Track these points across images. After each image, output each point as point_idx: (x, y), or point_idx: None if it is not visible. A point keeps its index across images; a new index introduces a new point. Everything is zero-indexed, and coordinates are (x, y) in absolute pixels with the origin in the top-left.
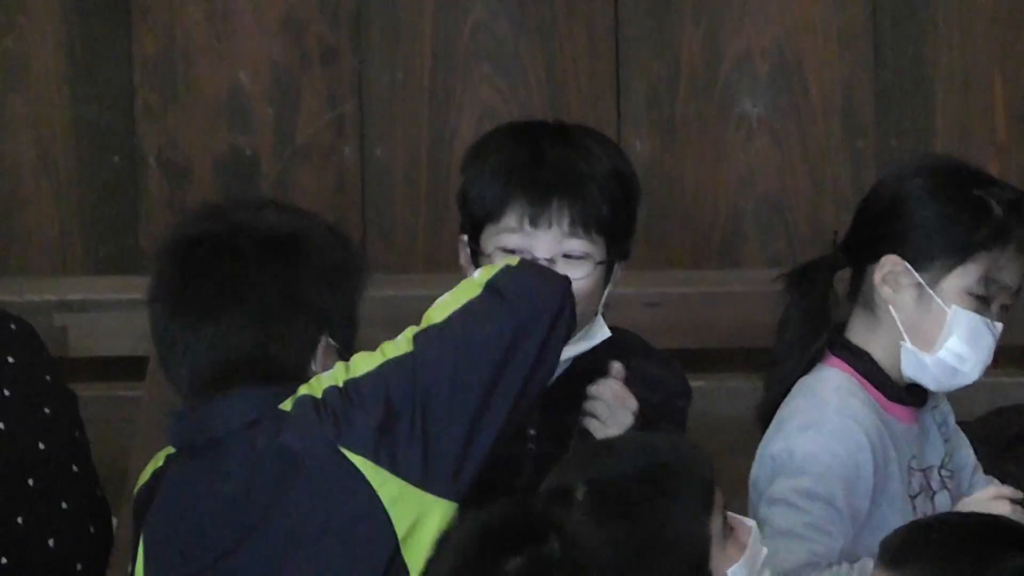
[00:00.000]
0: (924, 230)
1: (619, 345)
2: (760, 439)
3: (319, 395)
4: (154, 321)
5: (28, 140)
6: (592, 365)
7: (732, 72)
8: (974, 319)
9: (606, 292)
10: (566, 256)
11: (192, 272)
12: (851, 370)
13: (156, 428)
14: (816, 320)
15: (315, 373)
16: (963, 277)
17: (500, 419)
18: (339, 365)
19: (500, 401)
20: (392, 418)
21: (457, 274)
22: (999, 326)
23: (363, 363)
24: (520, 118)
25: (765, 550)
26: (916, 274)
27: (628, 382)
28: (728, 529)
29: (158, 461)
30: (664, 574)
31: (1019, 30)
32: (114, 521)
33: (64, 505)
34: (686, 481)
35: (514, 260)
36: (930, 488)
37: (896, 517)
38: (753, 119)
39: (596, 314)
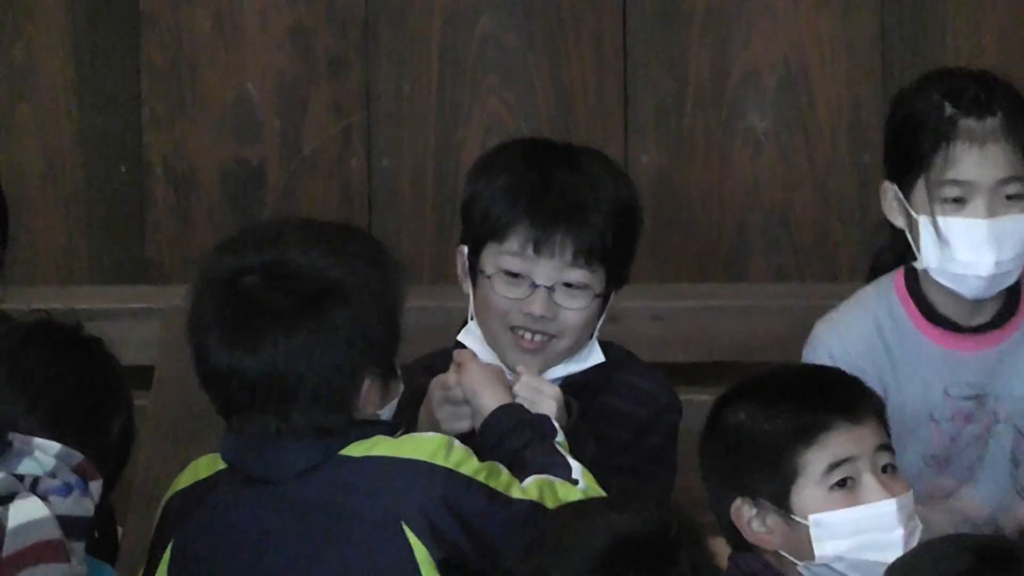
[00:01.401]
0: (889, 150)
1: (609, 359)
2: None
3: (403, 457)
4: (199, 350)
5: (36, 149)
6: (582, 382)
7: (739, 86)
8: (944, 223)
9: (601, 319)
10: (566, 285)
11: (241, 304)
12: (902, 286)
13: (161, 437)
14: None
15: (359, 407)
16: (924, 186)
17: None
18: (440, 441)
19: None
20: (460, 529)
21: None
22: (999, 220)
23: (466, 464)
24: (527, 130)
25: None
26: (899, 193)
27: (617, 394)
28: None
29: (199, 471)
30: None
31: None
32: (119, 530)
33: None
34: None
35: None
36: (985, 417)
37: (908, 434)
38: (760, 133)
39: (591, 338)
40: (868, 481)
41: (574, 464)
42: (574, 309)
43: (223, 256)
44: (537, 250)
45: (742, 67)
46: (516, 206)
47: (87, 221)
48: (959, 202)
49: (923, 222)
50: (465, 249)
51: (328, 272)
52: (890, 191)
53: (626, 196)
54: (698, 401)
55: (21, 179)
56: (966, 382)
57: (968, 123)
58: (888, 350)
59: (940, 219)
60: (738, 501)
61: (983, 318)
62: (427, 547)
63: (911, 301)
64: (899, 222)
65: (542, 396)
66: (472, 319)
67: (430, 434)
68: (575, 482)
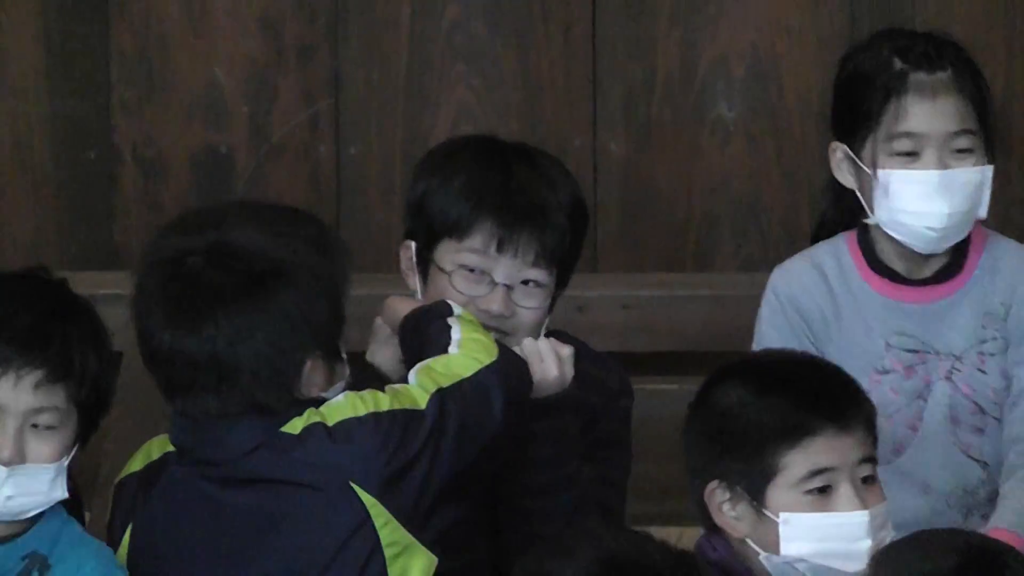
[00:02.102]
0: (838, 109)
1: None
2: None
3: (331, 423)
4: (143, 331)
5: (4, 134)
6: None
7: (708, 75)
8: (896, 176)
9: (547, 319)
10: (524, 283)
11: (184, 285)
12: (853, 238)
13: (129, 423)
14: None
15: (302, 388)
16: (873, 142)
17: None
18: (351, 396)
19: (474, 479)
20: (403, 465)
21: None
22: (951, 172)
23: (381, 401)
24: (496, 119)
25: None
26: (849, 151)
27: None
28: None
29: (151, 452)
30: None
31: (991, 34)
32: (86, 515)
33: None
34: None
35: (491, 346)
36: (926, 373)
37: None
38: (729, 122)
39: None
40: (845, 491)
41: (454, 334)
42: (531, 308)
43: (168, 237)
44: (500, 249)
45: (710, 56)
46: (480, 204)
47: (56, 207)
48: (911, 155)
49: (875, 177)
50: (412, 244)
51: (272, 253)
52: (839, 151)
53: (580, 197)
54: (665, 391)
55: None
56: (907, 334)
57: (919, 76)
58: (832, 295)
59: (892, 172)
60: (714, 483)
61: (928, 272)
62: (380, 500)
63: (859, 252)
64: (848, 182)
65: (549, 357)
66: None
67: (339, 397)
68: (446, 350)
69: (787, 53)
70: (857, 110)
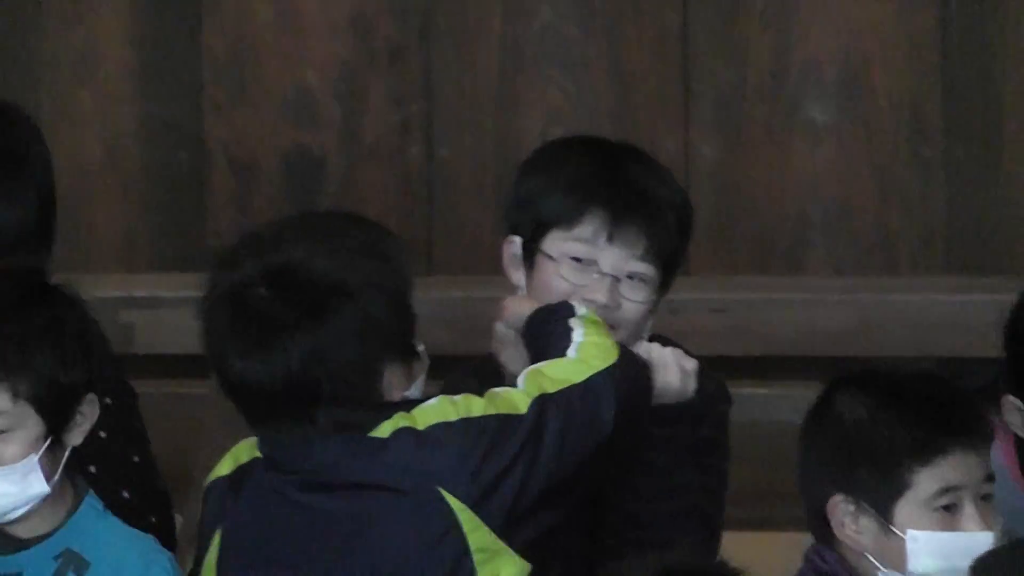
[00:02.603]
0: (1014, 363)
1: None
2: None
3: (421, 428)
4: (217, 364)
5: (96, 136)
6: None
7: (799, 78)
8: None
9: (650, 322)
10: (630, 277)
11: (249, 316)
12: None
13: (223, 425)
14: None
15: (383, 394)
16: None
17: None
18: (443, 400)
19: (575, 484)
20: (496, 471)
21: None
22: None
23: (474, 406)
24: (588, 121)
25: None
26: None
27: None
28: None
29: (239, 456)
30: None
31: None
32: (177, 518)
33: (125, 494)
34: None
35: (612, 350)
36: None
37: None
38: (820, 125)
39: (646, 334)
40: (970, 510)
41: (575, 336)
42: (636, 302)
43: (225, 269)
44: (610, 239)
45: (802, 58)
46: (591, 194)
47: (147, 208)
48: None
49: None
50: (517, 239)
51: (331, 271)
52: (1010, 403)
53: (687, 198)
54: (757, 395)
55: (81, 166)
56: None
57: None
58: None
59: None
60: (838, 497)
61: None
62: (470, 506)
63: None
64: (1018, 429)
65: (673, 367)
66: None
67: (432, 400)
68: (563, 353)
69: (878, 56)
70: None
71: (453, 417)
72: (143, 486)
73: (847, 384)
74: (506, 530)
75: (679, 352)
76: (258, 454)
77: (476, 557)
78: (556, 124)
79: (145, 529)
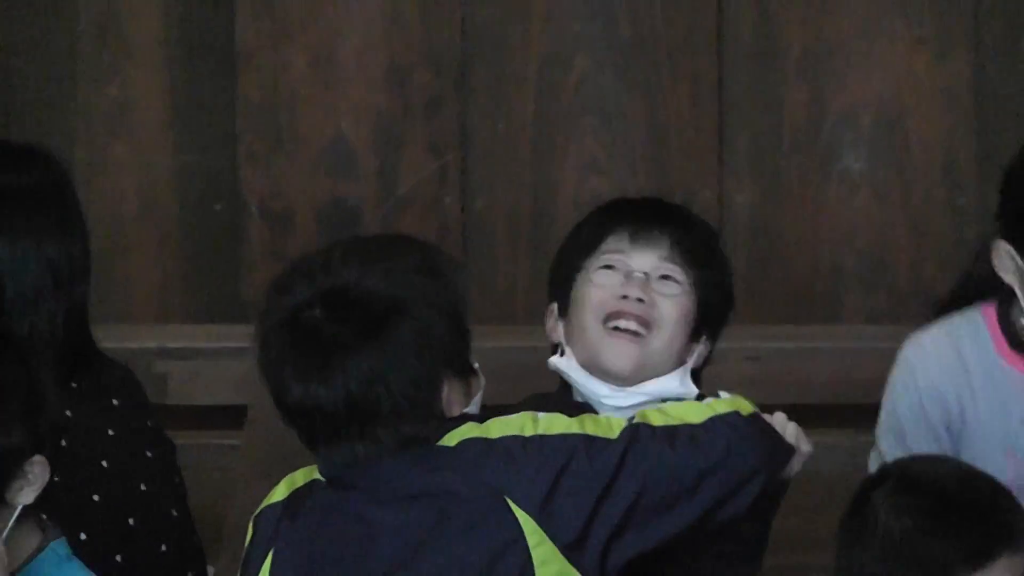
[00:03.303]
0: (1005, 208)
1: None
2: None
3: (493, 437)
4: (275, 390)
5: (131, 187)
6: None
7: (835, 127)
8: None
9: (694, 353)
10: (662, 277)
11: (307, 340)
12: (992, 314)
13: (256, 476)
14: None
15: (445, 411)
16: None
17: (651, 539)
18: (526, 416)
19: (662, 523)
20: (569, 487)
21: None
22: None
23: (556, 424)
24: (623, 171)
25: None
26: (1014, 252)
27: None
28: None
29: (295, 481)
30: None
31: None
32: (210, 570)
33: (163, 548)
34: None
35: (747, 408)
36: None
37: (983, 463)
38: (855, 174)
39: (683, 357)
40: None
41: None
42: (670, 296)
43: (280, 295)
44: (634, 241)
45: (838, 108)
46: (614, 215)
47: (182, 259)
48: None
49: None
50: (555, 305)
51: (385, 291)
52: (1002, 248)
53: (715, 233)
54: None
55: (116, 217)
56: None
57: None
58: (968, 374)
59: None
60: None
61: None
62: (536, 520)
63: (999, 329)
64: (1009, 279)
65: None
66: (562, 352)
67: (516, 414)
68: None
69: (913, 105)
70: None
71: (530, 432)
72: (180, 540)
73: (887, 490)
74: (575, 553)
75: (799, 430)
76: (317, 477)
77: (539, 572)
78: (592, 174)
79: None
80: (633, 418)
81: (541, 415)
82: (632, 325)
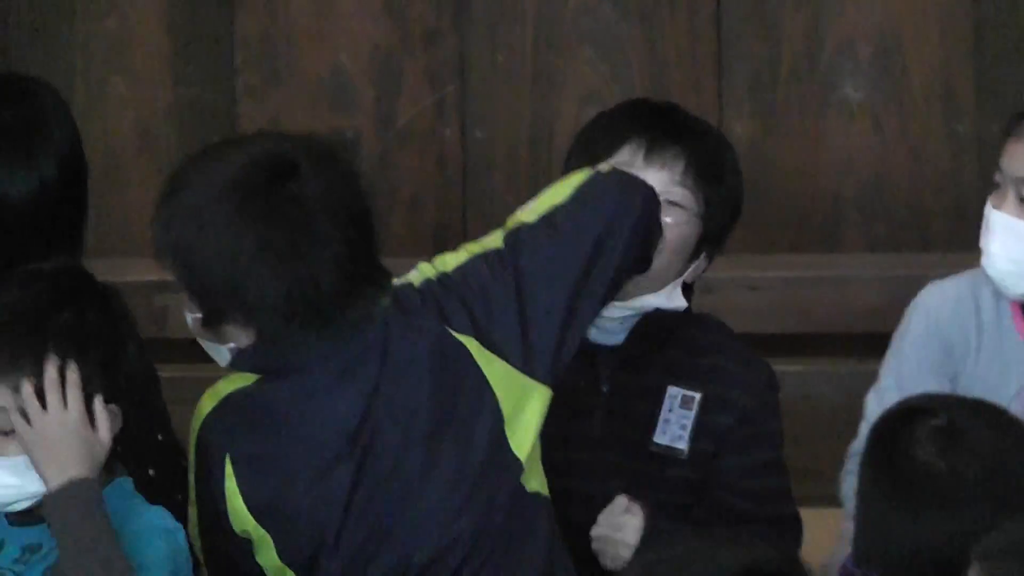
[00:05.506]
0: None
1: (700, 333)
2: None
3: (416, 285)
4: (227, 269)
5: (130, 121)
6: (667, 333)
7: (834, 57)
8: (987, 208)
9: (690, 269)
10: (670, 203)
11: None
12: None
13: None
14: None
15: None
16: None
17: (590, 312)
18: (423, 265)
19: (590, 294)
20: (491, 304)
21: None
22: (1004, 217)
23: (452, 259)
24: (620, 101)
25: None
26: None
27: (706, 399)
28: None
29: (220, 391)
30: None
31: None
32: None
33: (151, 472)
34: None
35: (605, 167)
36: None
37: None
38: (854, 104)
39: (678, 276)
40: None
41: None
42: (674, 223)
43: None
44: (648, 158)
45: (836, 37)
46: (630, 123)
47: None
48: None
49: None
50: None
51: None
52: None
53: (725, 139)
54: (792, 372)
55: (115, 151)
56: None
57: None
58: (980, 328)
59: (988, 209)
60: None
61: None
62: (479, 340)
63: None
64: None
65: (624, 528)
66: None
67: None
68: None
69: (911, 34)
70: None
71: (434, 274)
72: (168, 465)
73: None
74: (527, 361)
75: (629, 508)
76: (242, 383)
77: (497, 390)
78: (590, 105)
79: (170, 507)
80: (507, 226)
81: (440, 257)
82: None
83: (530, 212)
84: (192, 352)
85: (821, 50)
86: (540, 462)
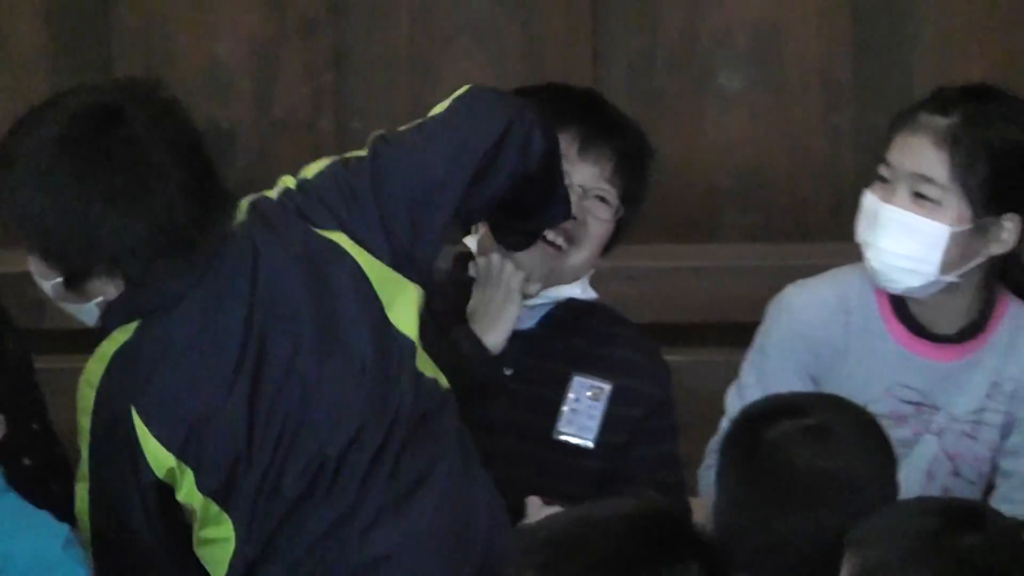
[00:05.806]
0: None
1: (603, 323)
2: None
3: (275, 197)
4: (80, 226)
5: (6, 113)
6: (573, 321)
7: (711, 46)
8: (871, 201)
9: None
10: (597, 197)
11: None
12: None
13: None
14: None
15: None
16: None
17: (446, 211)
18: (284, 177)
19: (449, 198)
20: (352, 203)
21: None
22: (899, 212)
23: (314, 167)
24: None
25: None
26: None
27: (616, 390)
28: None
29: (108, 351)
30: None
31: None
32: None
33: (26, 461)
34: None
35: (483, 86)
36: (918, 425)
37: None
38: (731, 93)
39: (592, 268)
40: None
41: None
42: (600, 219)
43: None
44: (582, 153)
45: (713, 26)
46: (567, 109)
47: None
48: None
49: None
50: None
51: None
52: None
53: (648, 141)
54: (671, 362)
55: None
56: (911, 387)
57: (923, 116)
58: (848, 330)
59: (866, 196)
60: None
61: (947, 329)
62: (340, 230)
63: (885, 293)
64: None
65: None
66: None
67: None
68: None
69: (789, 24)
70: None
71: (294, 183)
72: (43, 453)
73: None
74: (394, 256)
75: (515, 275)
76: (124, 338)
77: (372, 279)
78: None
79: (46, 496)
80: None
81: (303, 169)
82: (559, 240)
83: (406, 126)
84: (70, 343)
85: (698, 39)
86: (427, 353)
